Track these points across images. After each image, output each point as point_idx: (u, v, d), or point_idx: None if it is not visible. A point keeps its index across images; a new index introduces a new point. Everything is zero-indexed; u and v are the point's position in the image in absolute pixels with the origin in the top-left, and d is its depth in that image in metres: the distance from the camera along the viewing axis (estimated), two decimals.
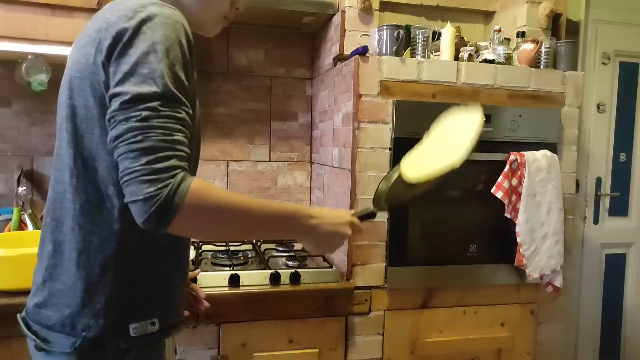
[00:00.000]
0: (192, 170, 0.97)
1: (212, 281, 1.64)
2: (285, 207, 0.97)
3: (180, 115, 0.82)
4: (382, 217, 1.77)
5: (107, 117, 0.81)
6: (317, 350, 1.74)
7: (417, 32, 1.85)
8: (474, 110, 1.19)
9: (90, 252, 0.90)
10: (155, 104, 0.79)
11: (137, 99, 0.79)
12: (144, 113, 0.78)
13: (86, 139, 0.88)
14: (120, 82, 0.80)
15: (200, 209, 0.80)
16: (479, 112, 1.17)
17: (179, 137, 0.81)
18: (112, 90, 0.81)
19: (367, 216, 1.14)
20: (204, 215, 0.82)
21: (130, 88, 0.79)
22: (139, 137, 0.77)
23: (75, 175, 0.90)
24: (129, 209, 0.80)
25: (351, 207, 1.75)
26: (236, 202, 0.85)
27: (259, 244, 2.19)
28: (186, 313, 1.16)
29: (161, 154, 0.78)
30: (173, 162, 0.79)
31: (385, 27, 1.77)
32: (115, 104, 0.80)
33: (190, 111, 0.87)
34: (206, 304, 1.30)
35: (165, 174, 0.77)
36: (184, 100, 0.84)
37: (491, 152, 1.82)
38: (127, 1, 0.87)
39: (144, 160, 0.77)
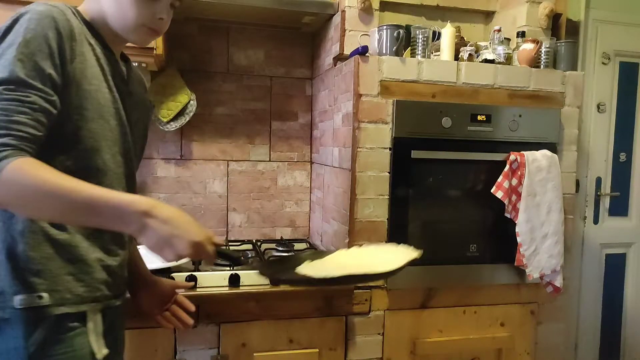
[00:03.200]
0: (85, 149, 1.00)
1: (212, 281, 1.64)
2: (118, 198, 0.91)
3: (28, 99, 0.88)
4: (382, 217, 1.77)
5: None
6: (317, 350, 1.74)
7: (417, 32, 1.85)
8: (412, 251, 1.21)
9: None
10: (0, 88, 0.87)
11: None
12: None
13: None
14: None
15: (14, 185, 0.85)
16: (416, 252, 1.18)
17: (19, 118, 0.87)
18: None
19: (227, 256, 1.05)
20: (16, 191, 0.86)
21: None
22: None
23: None
24: None
25: (351, 207, 1.75)
26: (54, 184, 0.87)
27: (258, 243, 2.19)
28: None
29: None
30: (4, 140, 0.85)
31: (385, 27, 1.77)
32: None
33: (52, 97, 0.92)
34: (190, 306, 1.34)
35: None
36: (39, 85, 0.90)
37: (491, 152, 1.83)
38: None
39: None
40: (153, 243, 0.91)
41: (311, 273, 1.12)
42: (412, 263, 1.78)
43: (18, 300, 0.95)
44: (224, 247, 0.99)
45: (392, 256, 1.19)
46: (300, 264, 1.21)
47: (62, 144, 0.97)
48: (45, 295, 0.96)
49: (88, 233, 1.03)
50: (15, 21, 0.93)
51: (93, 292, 1.03)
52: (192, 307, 1.37)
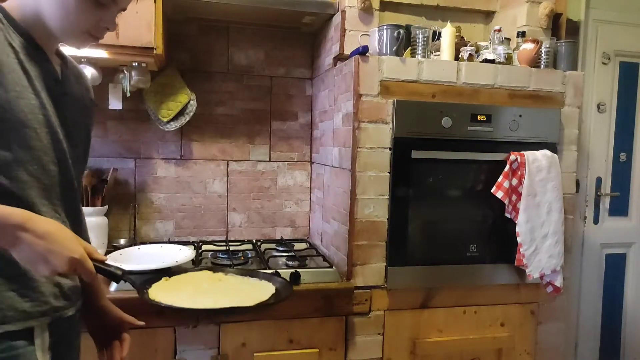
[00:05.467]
0: (5, 163, 0.94)
1: None
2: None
3: None
4: (383, 217, 1.77)
5: None
6: (317, 350, 1.74)
7: (417, 32, 1.85)
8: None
9: None
10: None
11: None
12: None
13: None
14: None
15: None
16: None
17: None
18: None
19: (107, 272, 0.98)
20: None
21: None
22: None
23: None
24: None
25: (351, 207, 1.75)
26: None
27: (258, 243, 2.19)
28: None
29: None
30: None
31: (385, 27, 1.77)
32: None
33: None
34: (139, 323, 1.26)
35: None
36: None
37: (491, 152, 1.83)
38: None
39: None
40: (26, 258, 0.86)
41: (159, 297, 1.19)
42: (412, 263, 1.80)
43: None
44: (105, 263, 0.96)
45: (247, 293, 1.26)
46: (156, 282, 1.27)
47: None
48: None
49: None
50: None
51: (40, 305, 0.98)
52: (125, 353, 1.22)
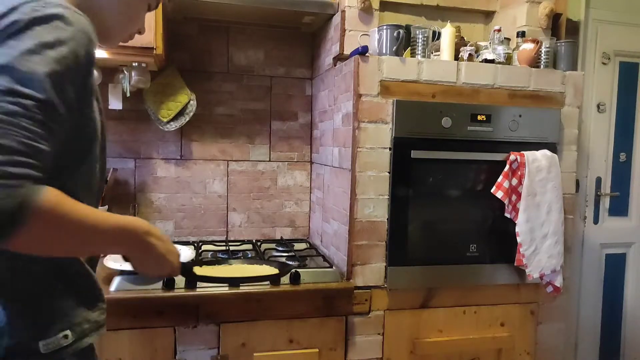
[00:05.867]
0: (90, 181, 0.93)
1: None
2: (126, 220, 0.86)
3: (55, 127, 0.74)
4: (382, 217, 1.77)
5: None
6: (317, 350, 1.74)
7: (417, 32, 1.85)
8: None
9: None
10: (29, 102, 0.70)
11: (10, 92, 0.69)
12: (12, 107, 0.69)
13: None
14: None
15: (49, 226, 0.72)
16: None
17: (44, 147, 0.71)
18: None
19: (186, 272, 1.10)
20: (51, 233, 0.74)
21: (5, 82, 0.70)
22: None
23: None
24: None
25: (351, 207, 1.75)
26: (84, 217, 0.77)
27: (258, 243, 2.19)
28: None
29: (17, 158, 0.68)
30: (28, 171, 0.68)
31: (385, 27, 1.77)
32: None
33: (66, 124, 0.78)
34: None
35: (14, 181, 0.67)
36: (64, 112, 0.76)
37: (491, 152, 1.83)
38: None
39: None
40: (153, 261, 0.92)
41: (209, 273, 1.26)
42: (412, 263, 1.80)
43: (42, 345, 0.86)
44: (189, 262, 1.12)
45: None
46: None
47: (66, 167, 0.85)
48: (68, 332, 0.89)
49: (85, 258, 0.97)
50: (35, 20, 0.75)
51: (104, 313, 0.99)
52: None
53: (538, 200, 1.83)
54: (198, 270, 1.22)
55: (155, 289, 1.59)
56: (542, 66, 1.94)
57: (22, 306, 0.86)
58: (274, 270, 1.34)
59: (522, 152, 1.82)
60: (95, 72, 1.86)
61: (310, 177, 2.39)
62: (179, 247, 1.82)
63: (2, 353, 0.84)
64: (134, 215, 2.17)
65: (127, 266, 0.99)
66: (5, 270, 0.84)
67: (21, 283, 0.86)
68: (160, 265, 0.93)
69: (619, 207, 2.56)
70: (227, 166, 2.29)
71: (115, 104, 2.06)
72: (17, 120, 0.68)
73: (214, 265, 1.30)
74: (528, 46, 1.88)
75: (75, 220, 0.75)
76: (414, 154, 1.76)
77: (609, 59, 2.47)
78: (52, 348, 0.87)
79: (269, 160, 2.34)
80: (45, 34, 0.75)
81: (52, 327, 0.88)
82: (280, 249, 2.07)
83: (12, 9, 0.75)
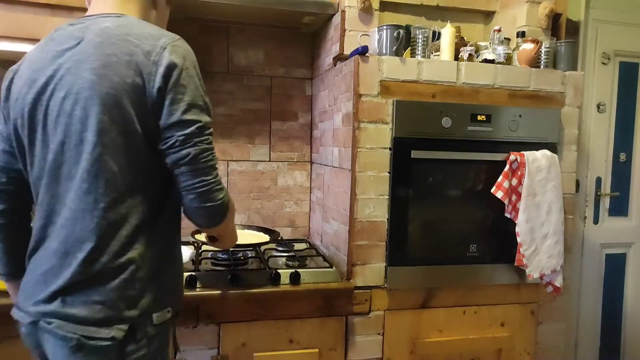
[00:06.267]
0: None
1: (212, 281, 1.64)
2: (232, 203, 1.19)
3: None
4: (382, 217, 1.77)
5: (173, 140, 0.99)
6: (317, 350, 1.74)
7: (417, 32, 1.85)
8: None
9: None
10: (210, 130, 1.04)
11: (205, 127, 1.02)
12: (210, 138, 1.03)
13: (116, 150, 0.99)
14: (186, 111, 0.99)
15: (230, 216, 1.13)
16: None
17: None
18: (180, 117, 0.99)
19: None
20: (230, 220, 1.14)
21: (200, 117, 1.01)
22: (210, 157, 1.02)
23: (116, 174, 1.00)
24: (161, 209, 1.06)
25: (351, 207, 1.75)
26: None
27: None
28: None
29: (217, 170, 1.05)
30: (218, 178, 1.05)
31: (385, 27, 1.77)
32: (186, 130, 0.99)
33: None
34: None
35: (222, 185, 1.06)
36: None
37: (491, 152, 1.83)
38: (145, 27, 1.03)
39: (214, 174, 1.03)
40: (234, 234, 1.30)
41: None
42: (412, 263, 1.81)
43: (155, 317, 1.04)
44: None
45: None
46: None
47: None
48: (170, 308, 1.08)
49: (179, 248, 1.18)
50: (184, 59, 1.01)
51: (181, 304, 1.17)
52: None
53: (538, 200, 1.83)
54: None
55: None
56: (542, 66, 1.94)
57: (151, 282, 1.03)
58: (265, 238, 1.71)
59: (522, 152, 1.82)
60: None
61: (310, 177, 2.39)
62: None
63: (129, 321, 1.00)
64: None
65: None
66: (150, 255, 1.03)
67: (156, 264, 1.05)
68: (235, 235, 1.28)
69: (619, 207, 2.56)
70: (227, 166, 2.29)
71: None
72: (212, 145, 1.04)
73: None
74: (528, 46, 1.88)
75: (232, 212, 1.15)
76: (414, 154, 1.76)
77: (609, 59, 2.48)
78: (160, 320, 1.04)
79: (269, 161, 2.34)
80: (193, 69, 1.07)
81: (163, 302, 1.06)
82: (280, 249, 2.07)
83: (158, 47, 1.05)
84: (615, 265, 2.58)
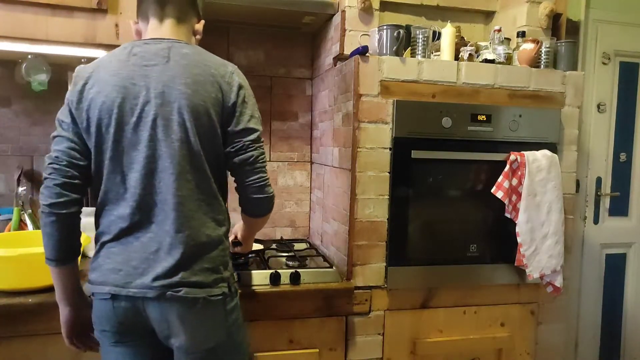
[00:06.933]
0: None
1: None
2: None
3: None
4: (383, 217, 1.77)
5: (240, 144, 1.27)
6: (317, 350, 1.74)
7: (417, 32, 1.85)
8: None
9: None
10: (262, 137, 1.34)
11: (261, 134, 1.32)
12: (263, 144, 1.33)
13: (205, 148, 1.24)
14: (250, 120, 1.29)
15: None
16: None
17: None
18: (246, 125, 1.28)
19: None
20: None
21: (258, 126, 1.31)
22: (264, 158, 1.32)
23: (196, 167, 1.23)
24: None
25: (351, 207, 1.75)
26: None
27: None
28: None
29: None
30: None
31: (385, 27, 1.77)
32: (250, 136, 1.28)
33: None
34: None
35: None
36: None
37: (491, 152, 1.83)
38: (212, 56, 1.32)
39: (266, 171, 1.32)
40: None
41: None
42: (412, 263, 1.80)
43: (232, 287, 1.30)
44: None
45: None
46: None
47: None
48: (235, 278, 1.36)
49: None
50: (244, 80, 1.32)
51: None
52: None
53: (538, 200, 1.83)
54: None
55: None
56: (542, 66, 1.94)
57: (225, 262, 1.29)
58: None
59: (522, 152, 1.82)
60: None
61: (311, 177, 2.39)
62: None
63: (227, 280, 1.28)
64: None
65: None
66: (227, 228, 1.32)
67: (227, 248, 1.32)
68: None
69: (619, 207, 2.56)
70: None
71: None
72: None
73: None
74: (528, 46, 1.88)
75: None
76: (414, 154, 1.76)
77: (609, 59, 2.48)
78: (235, 290, 1.31)
79: (269, 160, 2.34)
80: (249, 88, 1.37)
81: (227, 278, 1.28)
82: (281, 249, 2.07)
83: (230, 71, 1.33)
84: (615, 265, 2.58)
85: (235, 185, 1.33)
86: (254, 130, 1.29)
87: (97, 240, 1.26)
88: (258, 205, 1.33)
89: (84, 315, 1.30)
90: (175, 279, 1.19)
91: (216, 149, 1.26)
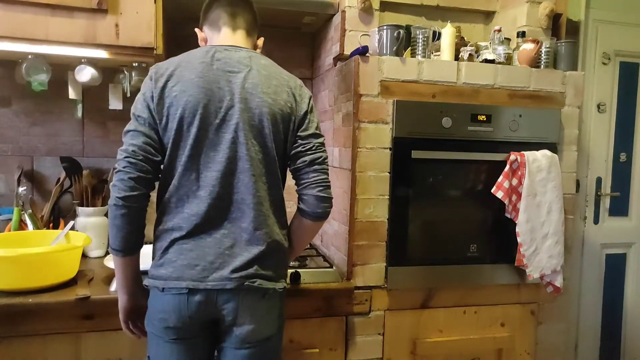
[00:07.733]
0: None
1: None
2: None
3: None
4: (383, 217, 1.77)
5: (311, 144, 1.36)
6: (317, 350, 1.74)
7: (418, 32, 1.85)
8: None
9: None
10: None
11: (324, 140, 1.41)
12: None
13: (279, 154, 1.34)
14: (317, 128, 1.39)
15: None
16: None
17: None
18: (315, 130, 1.38)
19: None
20: None
21: (321, 132, 1.41)
22: (327, 162, 1.39)
23: (270, 170, 1.33)
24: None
25: (351, 207, 1.75)
26: None
27: None
28: None
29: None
30: None
31: (385, 27, 1.77)
32: (319, 139, 1.38)
33: None
34: None
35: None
36: None
37: (491, 152, 1.83)
38: (282, 69, 1.40)
39: (328, 175, 1.39)
40: None
41: None
42: (412, 263, 1.80)
43: (283, 285, 1.36)
44: None
45: None
46: None
47: None
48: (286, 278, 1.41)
49: None
50: (308, 91, 1.43)
51: None
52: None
53: (538, 200, 1.83)
54: None
55: None
56: (542, 66, 1.94)
57: (286, 261, 1.41)
58: None
59: (522, 152, 1.82)
60: (94, 71, 1.87)
61: None
62: None
63: (285, 276, 1.39)
64: None
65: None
66: (283, 243, 1.37)
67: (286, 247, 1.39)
68: None
69: (619, 207, 2.56)
70: None
71: (116, 104, 2.06)
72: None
73: None
74: (528, 46, 1.88)
75: None
76: (414, 154, 1.76)
77: (609, 59, 2.48)
78: (283, 288, 1.35)
79: None
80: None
81: (286, 275, 1.39)
82: None
83: (299, 84, 1.44)
84: (615, 265, 2.58)
85: (299, 187, 1.39)
86: (321, 136, 1.39)
87: (162, 236, 1.29)
88: (322, 204, 1.36)
89: (140, 304, 1.34)
90: (251, 270, 1.27)
91: (284, 157, 1.37)
